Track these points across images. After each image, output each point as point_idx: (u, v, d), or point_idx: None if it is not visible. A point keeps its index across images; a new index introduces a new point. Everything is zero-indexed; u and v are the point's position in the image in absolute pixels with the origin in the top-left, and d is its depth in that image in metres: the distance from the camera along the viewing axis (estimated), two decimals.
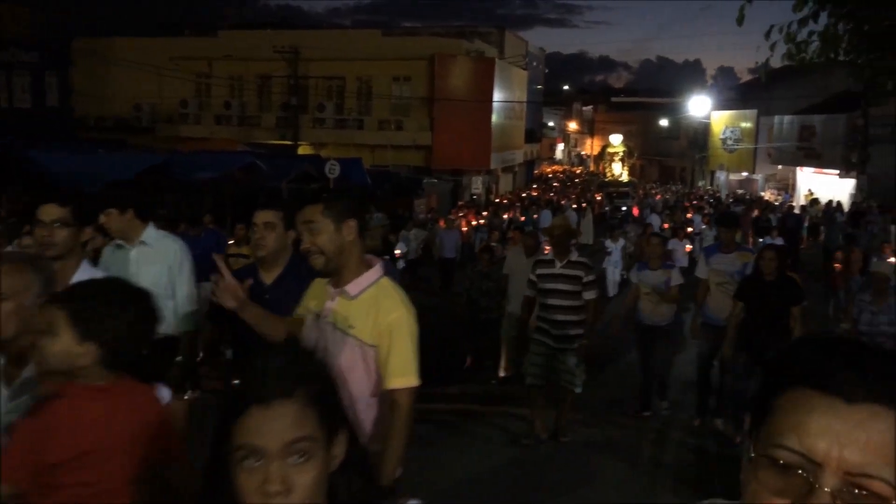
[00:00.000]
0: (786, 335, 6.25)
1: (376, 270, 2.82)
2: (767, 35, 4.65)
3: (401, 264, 13.57)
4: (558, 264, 6.24)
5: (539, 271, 6.36)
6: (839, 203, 24.26)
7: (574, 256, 6.34)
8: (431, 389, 7.82)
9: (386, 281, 2.83)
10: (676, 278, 7.28)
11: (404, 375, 2.71)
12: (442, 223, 16.83)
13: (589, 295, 6.21)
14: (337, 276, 2.79)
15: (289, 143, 32.61)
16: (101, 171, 13.77)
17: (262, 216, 3.60)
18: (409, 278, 15.12)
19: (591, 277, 6.23)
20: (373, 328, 2.69)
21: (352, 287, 2.77)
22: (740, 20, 4.41)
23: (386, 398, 2.73)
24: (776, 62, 5.00)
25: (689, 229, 18.79)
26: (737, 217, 8.70)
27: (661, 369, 7.49)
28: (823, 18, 4.77)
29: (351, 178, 20.73)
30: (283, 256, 3.67)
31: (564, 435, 6.61)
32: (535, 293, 6.41)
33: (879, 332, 6.36)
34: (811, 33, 4.65)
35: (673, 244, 14.86)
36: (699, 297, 7.12)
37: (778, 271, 6.26)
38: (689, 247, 16.19)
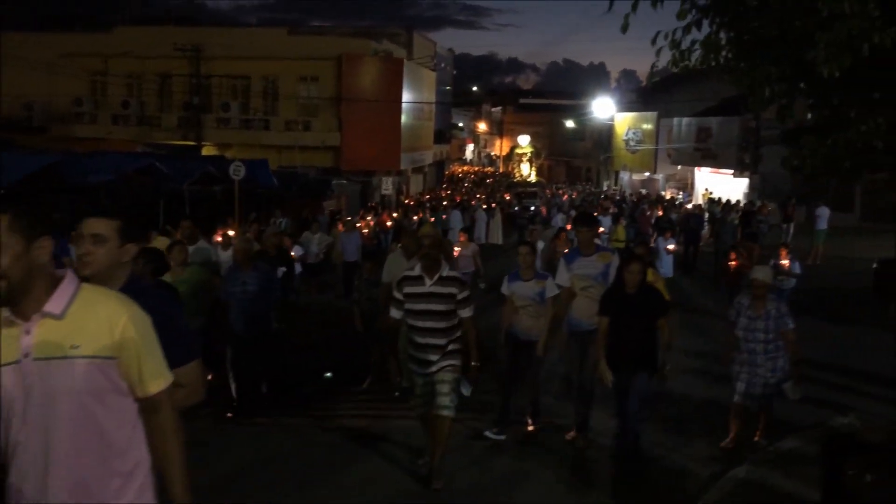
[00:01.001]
0: (654, 348, 6.17)
1: (70, 279, 2.38)
2: (654, 41, 4.80)
3: (298, 269, 13.09)
4: (428, 281, 5.48)
5: (407, 289, 5.53)
6: (736, 202, 25.41)
7: (446, 271, 5.56)
8: (331, 405, 7.68)
9: (88, 286, 2.44)
10: (552, 289, 6.69)
11: (162, 376, 2.45)
12: (341, 226, 16.22)
13: (465, 313, 5.58)
14: (19, 304, 2.29)
15: (192, 143, 31.68)
16: None
17: (90, 226, 2.84)
18: (310, 284, 14.86)
19: (465, 293, 5.57)
20: (104, 339, 2.32)
21: (53, 305, 2.30)
22: (625, 28, 4.53)
23: (147, 406, 2.45)
24: (663, 68, 5.15)
25: (601, 230, 18.91)
26: (594, 217, 8.12)
27: (535, 387, 6.96)
28: (706, 26, 4.97)
29: (257, 180, 20.33)
30: (117, 276, 2.89)
31: (438, 479, 5.66)
32: (401, 314, 5.62)
33: (755, 339, 6.33)
34: (694, 41, 4.83)
35: (658, 242, 15.44)
36: (561, 309, 6.66)
37: (641, 283, 6.03)
38: (672, 247, 16.03)
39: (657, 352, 6.24)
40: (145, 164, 17.25)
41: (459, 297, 5.52)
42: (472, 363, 5.60)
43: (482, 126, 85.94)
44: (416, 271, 5.55)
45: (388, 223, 21.20)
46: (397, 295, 5.58)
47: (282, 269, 8.63)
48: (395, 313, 5.64)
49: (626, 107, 47.22)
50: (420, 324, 5.52)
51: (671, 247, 15.80)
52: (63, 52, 32.22)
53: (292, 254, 12.38)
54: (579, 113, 54.27)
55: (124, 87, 33.63)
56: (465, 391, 5.66)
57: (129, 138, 31.92)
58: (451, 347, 5.56)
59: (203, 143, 32.02)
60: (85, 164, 16.31)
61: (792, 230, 21.16)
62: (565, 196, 37.34)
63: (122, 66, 33.11)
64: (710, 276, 16.31)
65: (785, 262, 11.34)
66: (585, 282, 6.55)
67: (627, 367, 6.05)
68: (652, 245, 15.34)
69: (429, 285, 5.47)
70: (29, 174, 14.12)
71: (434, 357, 5.53)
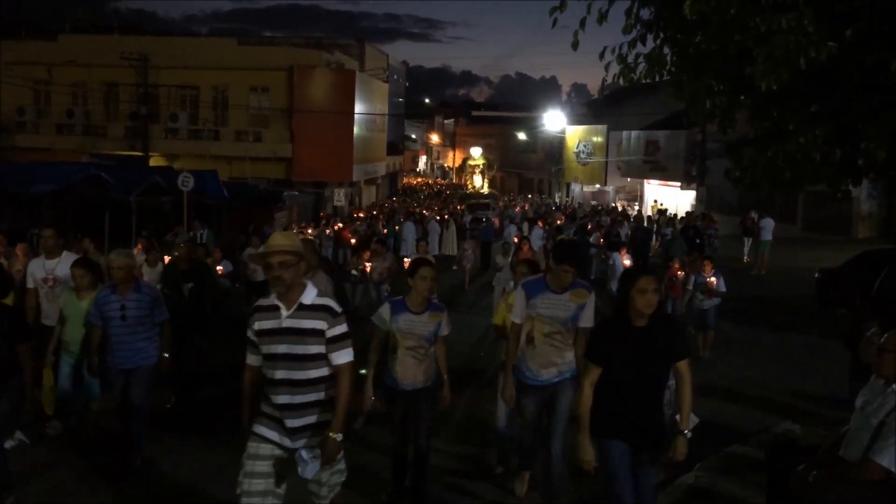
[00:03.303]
0: (657, 408, 4.27)
1: None
2: (601, 56, 4.90)
3: (225, 284, 12.36)
4: (284, 312, 3.91)
5: (258, 324, 3.96)
6: (675, 215, 25.90)
7: (311, 297, 3.95)
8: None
9: None
10: (446, 326, 5.28)
11: None
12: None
13: (339, 357, 3.93)
14: None
15: (139, 154, 31.15)
16: None
17: None
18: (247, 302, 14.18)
19: (339, 328, 3.94)
20: None
21: None
22: (575, 45, 4.62)
23: None
24: (610, 82, 5.26)
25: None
26: (581, 249, 6.24)
27: (425, 444, 5.34)
28: (651, 41, 5.09)
29: (206, 191, 20.02)
30: None
31: None
32: (258, 359, 4.01)
33: None
34: (639, 55, 4.94)
35: (614, 258, 14.03)
36: (511, 350, 5.15)
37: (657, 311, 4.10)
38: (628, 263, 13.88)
39: (662, 417, 4.38)
40: (90, 175, 16.82)
41: (330, 332, 3.90)
42: (331, 433, 3.87)
43: (435, 138, 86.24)
44: (271, 299, 3.96)
45: (352, 240, 20.40)
46: (249, 333, 4.00)
47: (188, 285, 7.45)
48: (251, 360, 4.05)
49: (576, 119, 47.91)
50: (275, 374, 3.91)
51: (627, 262, 14.25)
52: (6, 61, 31.48)
53: (219, 268, 11.62)
54: (531, 125, 54.88)
55: (69, 96, 33.00)
56: (305, 458, 3.86)
57: (73, 148, 31.22)
58: (319, 411, 3.96)
59: (151, 153, 31.49)
60: (28, 174, 15.87)
61: (749, 244, 20.87)
62: (518, 208, 37.62)
63: (66, 74, 32.47)
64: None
65: (710, 278, 10.11)
66: (550, 325, 5.00)
67: (633, 446, 4.13)
68: (609, 262, 14.84)
69: (284, 317, 3.89)
70: None
71: (292, 423, 3.91)
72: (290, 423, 3.92)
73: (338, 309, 4.00)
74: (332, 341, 3.93)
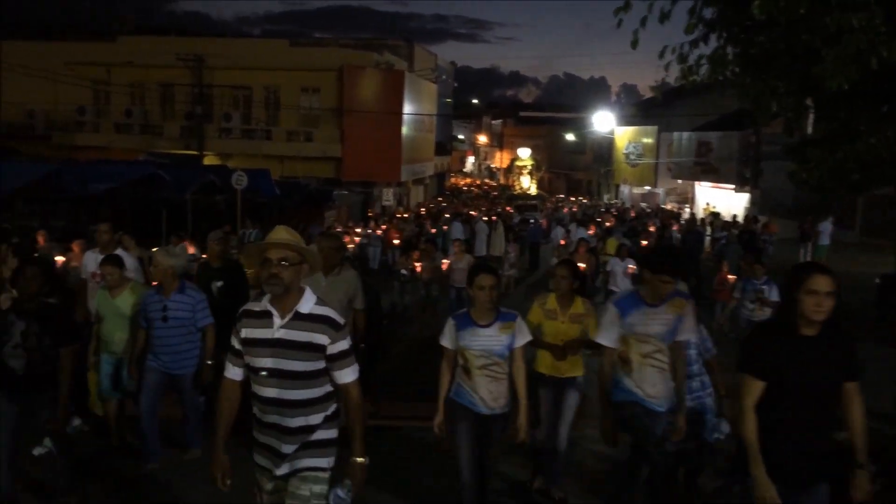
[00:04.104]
0: (827, 435, 3.52)
1: None
2: (661, 55, 4.82)
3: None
4: (278, 320, 3.38)
5: (246, 332, 3.44)
6: (733, 218, 25.34)
7: (309, 304, 3.41)
8: None
9: None
10: (523, 335, 4.63)
11: None
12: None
13: (345, 376, 3.44)
14: None
15: (194, 153, 31.76)
16: None
17: None
18: None
19: (343, 344, 3.42)
20: None
21: None
22: (634, 44, 4.55)
23: None
24: (671, 82, 5.19)
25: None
26: (679, 258, 5.21)
27: (488, 473, 4.79)
28: (713, 41, 5.00)
29: (259, 190, 20.34)
30: None
31: None
32: (241, 373, 3.52)
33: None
34: (701, 56, 4.86)
35: (612, 263, 12.78)
36: (605, 377, 4.59)
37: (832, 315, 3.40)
38: (631, 267, 12.42)
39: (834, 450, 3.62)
40: (148, 174, 17.23)
41: (333, 348, 3.38)
42: (355, 458, 3.41)
43: (482, 138, 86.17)
44: (263, 303, 3.43)
45: (396, 241, 19.89)
46: (234, 342, 3.49)
47: (218, 283, 7.05)
48: (232, 372, 3.52)
49: (626, 120, 47.40)
50: (264, 392, 3.39)
51: None
52: (66, 61, 32.35)
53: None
54: (580, 126, 54.47)
55: (127, 95, 33.79)
56: (342, 496, 3.43)
57: (131, 147, 31.97)
58: (316, 436, 3.45)
59: (205, 152, 32.09)
60: (86, 172, 16.31)
61: (808, 249, 20.23)
62: (566, 209, 37.35)
63: (125, 75, 33.28)
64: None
65: (762, 286, 9.16)
66: (650, 344, 4.46)
67: (805, 480, 3.48)
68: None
69: (277, 326, 3.36)
70: (29, 182, 14.14)
71: (287, 449, 3.42)
72: (283, 448, 3.42)
73: (340, 320, 3.43)
74: (337, 358, 3.40)
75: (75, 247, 10.11)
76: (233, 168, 21.61)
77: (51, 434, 5.69)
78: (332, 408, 3.51)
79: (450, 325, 4.66)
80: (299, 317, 3.36)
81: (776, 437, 3.40)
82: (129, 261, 7.12)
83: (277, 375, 3.36)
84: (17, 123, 33.53)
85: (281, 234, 3.45)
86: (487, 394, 4.57)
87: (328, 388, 3.48)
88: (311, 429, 3.45)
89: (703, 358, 5.22)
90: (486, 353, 4.53)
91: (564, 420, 5.33)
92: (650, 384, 4.47)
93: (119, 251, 7.23)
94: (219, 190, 19.38)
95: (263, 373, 3.38)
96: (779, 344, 3.41)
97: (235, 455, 3.49)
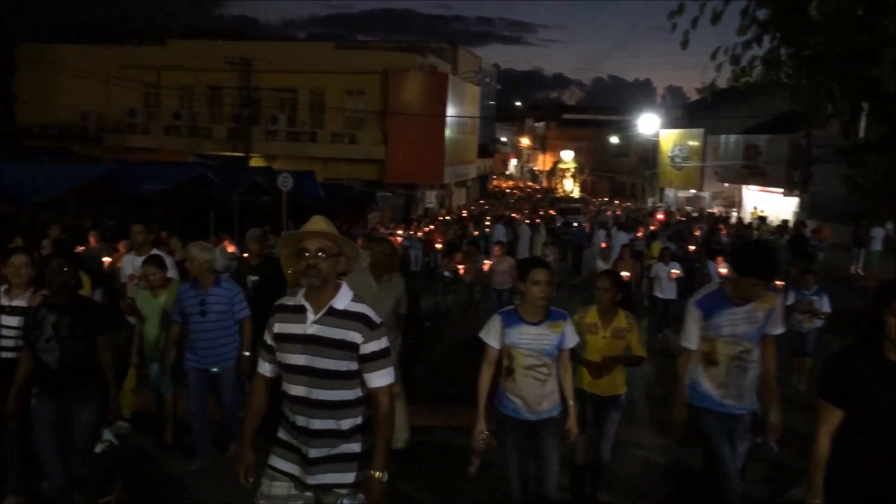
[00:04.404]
0: None
1: None
2: (713, 56, 4.75)
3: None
4: (311, 315, 3.21)
5: (279, 327, 3.29)
6: (784, 223, 24.77)
7: (345, 301, 3.24)
8: None
9: None
10: (573, 336, 4.41)
11: None
12: (360, 242, 15.15)
13: (378, 379, 3.20)
14: None
15: (240, 154, 32.28)
16: (46, 180, 13.46)
17: None
18: None
19: (377, 342, 3.19)
20: None
21: None
22: (685, 44, 4.49)
23: None
24: (722, 83, 5.09)
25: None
26: (772, 258, 4.38)
27: (553, 492, 4.36)
28: (767, 42, 4.91)
29: (304, 191, 20.59)
30: None
31: None
32: (273, 370, 3.38)
33: None
34: (755, 57, 4.77)
35: (656, 268, 12.41)
36: (682, 377, 4.37)
37: None
38: (675, 272, 12.19)
39: None
40: (197, 175, 17.56)
41: (366, 348, 3.17)
42: (374, 472, 3.12)
43: (525, 141, 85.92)
44: (297, 297, 3.28)
45: (439, 245, 19.26)
46: (266, 338, 3.36)
47: (253, 279, 7.14)
48: (264, 368, 3.39)
49: (671, 123, 46.80)
50: (293, 389, 3.22)
51: (723, 270, 12.89)
52: (119, 64, 33.15)
53: None
54: (624, 129, 53.95)
55: (176, 98, 34.50)
56: None
57: (180, 149, 32.64)
58: (346, 447, 3.23)
59: (251, 154, 32.60)
60: (137, 173, 16.68)
61: (862, 254, 19.58)
62: (609, 212, 37.02)
63: (174, 78, 33.99)
64: None
65: (812, 296, 8.72)
66: (738, 344, 4.19)
67: None
68: (704, 270, 13.57)
69: (310, 322, 3.20)
70: (83, 183, 14.50)
71: (313, 453, 3.21)
72: (310, 452, 3.20)
73: (376, 319, 3.21)
74: (369, 358, 3.17)
75: (121, 247, 10.26)
76: (278, 170, 21.94)
77: (109, 425, 5.66)
78: (365, 414, 3.26)
79: (495, 321, 4.36)
80: (333, 313, 3.19)
81: (854, 472, 3.06)
82: (169, 261, 7.08)
83: (307, 373, 3.18)
84: (70, 125, 34.48)
85: (318, 223, 3.27)
86: (532, 396, 4.29)
87: (361, 391, 3.23)
88: (341, 434, 3.21)
89: None
90: (535, 353, 4.26)
91: (606, 437, 5.12)
92: (734, 385, 4.23)
93: (154, 251, 7.17)
94: (264, 191, 19.67)
95: (293, 369, 3.22)
96: (861, 368, 3.07)
97: (262, 454, 3.39)
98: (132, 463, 5.86)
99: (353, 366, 3.18)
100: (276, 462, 3.30)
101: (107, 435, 5.76)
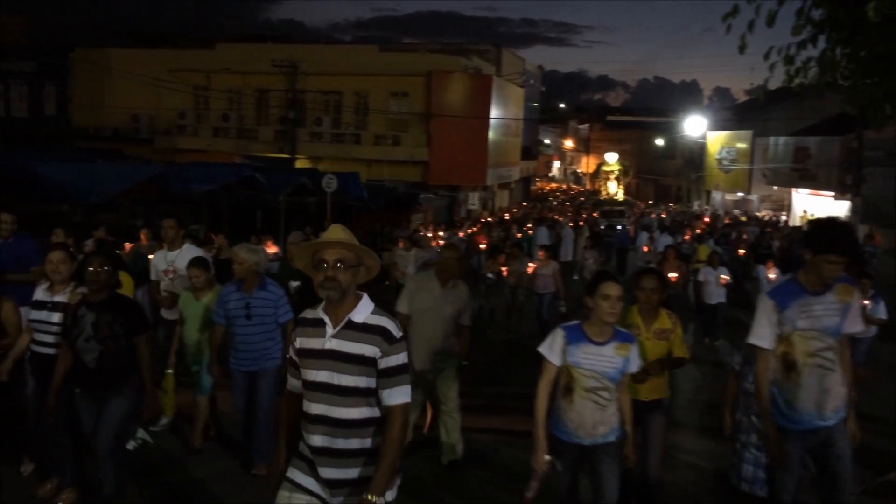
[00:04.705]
0: None
1: None
2: (766, 56, 4.68)
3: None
4: (330, 329, 3.07)
5: (300, 342, 3.15)
6: None
7: (365, 313, 3.08)
8: None
9: None
10: (636, 360, 4.11)
11: None
12: (401, 244, 14.75)
13: (394, 397, 3.03)
14: None
15: (286, 156, 32.71)
16: (100, 181, 13.79)
17: None
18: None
19: (396, 359, 3.03)
20: None
21: None
22: (742, 48, 4.41)
23: None
24: (775, 84, 5.02)
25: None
26: (851, 235, 4.26)
27: None
28: (822, 42, 4.82)
29: (348, 192, 20.78)
30: None
31: None
32: (301, 385, 3.17)
33: None
34: (810, 58, 4.69)
35: (704, 272, 12.14)
36: (763, 386, 3.93)
37: None
38: (724, 277, 11.94)
39: None
40: (245, 176, 17.84)
41: (384, 363, 3.01)
42: (371, 496, 2.90)
43: (569, 143, 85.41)
44: (317, 311, 3.15)
45: (483, 245, 19.49)
46: (290, 352, 3.23)
47: (294, 284, 7.14)
48: (293, 384, 3.25)
49: (718, 125, 46.09)
50: (312, 407, 3.07)
51: (772, 275, 12.53)
52: (169, 68, 33.86)
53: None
54: (669, 131, 53.30)
55: (225, 101, 35.08)
56: None
57: (227, 150, 33.22)
58: (365, 472, 3.03)
59: (296, 156, 33.00)
60: (188, 174, 17.00)
61: None
62: (654, 215, 36.61)
63: (223, 81, 34.60)
64: None
65: (866, 302, 8.12)
66: (818, 339, 3.82)
67: None
68: (753, 274, 13.43)
69: (329, 336, 3.06)
70: (137, 183, 14.83)
71: (332, 473, 3.05)
72: (326, 473, 3.04)
73: (397, 333, 3.06)
74: (386, 374, 3.01)
75: (143, 237, 10.63)
76: (323, 171, 22.17)
77: (144, 424, 5.53)
78: (375, 432, 3.07)
79: (558, 336, 4.05)
80: (352, 326, 3.05)
81: None
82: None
83: (327, 390, 3.02)
84: (122, 127, 35.33)
85: (337, 232, 3.13)
86: (589, 421, 4.00)
87: (377, 412, 3.06)
88: (358, 454, 3.04)
89: None
90: (597, 375, 3.96)
91: (653, 447, 4.72)
92: (820, 390, 3.81)
93: (186, 245, 7.24)
94: (310, 192, 19.89)
95: (313, 386, 3.06)
96: None
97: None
98: (155, 468, 5.71)
99: (374, 382, 3.03)
100: (296, 476, 3.14)
101: (141, 433, 5.66)
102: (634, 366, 4.09)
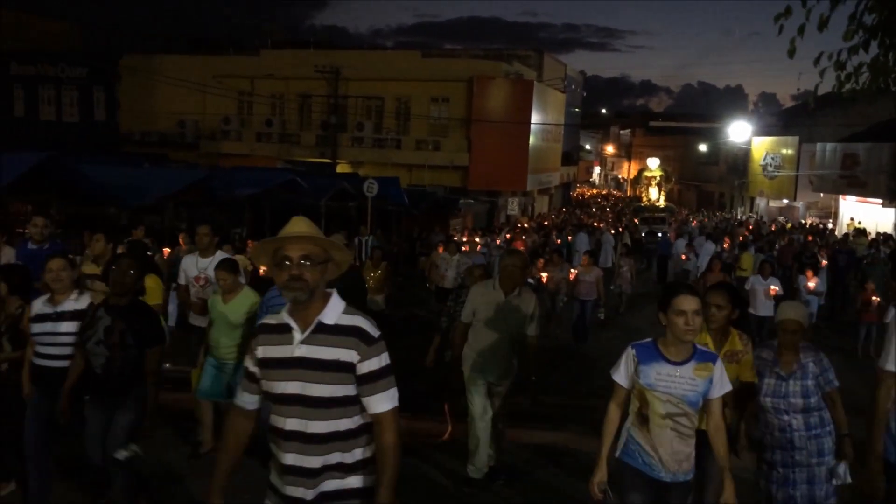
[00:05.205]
0: None
1: None
2: (817, 62, 4.58)
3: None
4: (298, 335, 2.71)
5: (263, 351, 2.78)
6: (887, 235, 23.56)
7: (335, 313, 2.73)
8: None
9: None
10: (723, 383, 3.60)
11: None
12: (441, 248, 14.35)
13: (379, 404, 2.72)
14: None
15: (327, 161, 33.04)
16: (147, 184, 14.08)
17: None
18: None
19: (377, 361, 2.70)
20: None
21: None
22: (791, 52, 4.33)
23: None
24: (824, 90, 4.90)
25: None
26: None
27: None
28: (874, 48, 4.71)
29: (389, 197, 20.89)
30: None
31: None
32: (254, 400, 2.87)
33: (790, 408, 4.27)
34: (861, 63, 4.58)
35: (753, 281, 11.53)
36: (881, 412, 3.53)
37: None
38: (774, 288, 11.26)
39: None
40: (287, 180, 18.06)
41: (363, 367, 2.69)
42: None
43: (610, 148, 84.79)
44: (281, 315, 2.80)
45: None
46: (248, 363, 2.84)
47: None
48: (244, 400, 2.88)
49: (764, 130, 45.32)
50: (284, 423, 2.72)
51: (811, 284, 12.22)
52: (215, 74, 34.45)
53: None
54: (713, 136, 52.57)
55: (268, 106, 35.58)
56: None
57: (270, 155, 33.65)
58: (352, 482, 2.75)
59: (338, 160, 33.28)
60: (232, 178, 17.27)
61: None
62: (694, 222, 36.10)
63: (266, 86, 35.08)
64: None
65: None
66: None
67: None
68: (794, 285, 13.00)
69: (297, 342, 2.71)
70: (184, 187, 15.13)
71: (312, 495, 2.71)
72: (295, 492, 2.71)
73: (374, 332, 2.72)
74: (368, 379, 2.69)
75: (182, 242, 10.40)
76: (364, 176, 22.35)
77: (135, 438, 5.13)
78: (371, 449, 2.78)
79: (629, 355, 3.63)
80: (323, 329, 2.70)
81: None
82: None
83: (300, 402, 2.69)
84: (168, 132, 36.04)
85: (301, 225, 2.78)
86: (670, 454, 3.53)
87: (364, 418, 2.76)
88: (346, 469, 2.73)
89: (822, 390, 4.29)
90: (674, 399, 3.50)
91: (713, 480, 4.04)
92: None
93: (220, 252, 7.09)
94: (351, 197, 20.06)
95: (283, 399, 2.71)
96: None
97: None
98: (153, 481, 5.42)
99: (353, 390, 2.70)
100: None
101: (133, 446, 5.21)
102: (720, 389, 3.57)
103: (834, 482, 4.29)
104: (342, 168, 32.35)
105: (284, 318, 2.76)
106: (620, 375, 3.65)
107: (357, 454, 2.76)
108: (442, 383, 6.54)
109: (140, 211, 14.27)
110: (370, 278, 11.12)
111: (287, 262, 2.68)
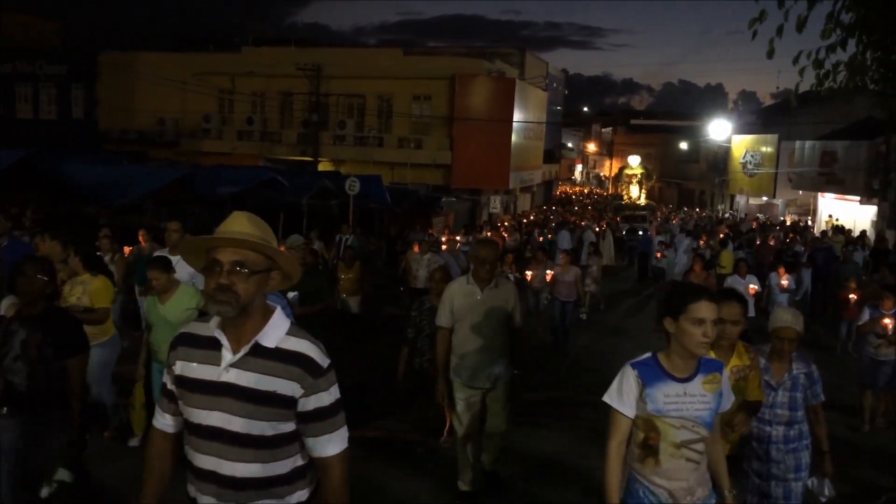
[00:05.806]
0: None
1: None
2: (796, 61, 4.63)
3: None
4: (228, 355, 2.26)
5: (181, 367, 2.36)
6: (862, 233, 23.84)
7: (278, 334, 2.28)
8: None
9: None
10: (728, 394, 3.15)
11: None
12: (416, 248, 13.68)
13: (328, 446, 2.33)
14: None
15: (309, 159, 32.89)
16: (125, 183, 13.95)
17: None
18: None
19: (326, 397, 2.28)
20: None
21: None
22: (770, 53, 4.36)
23: None
24: (803, 88, 4.95)
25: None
26: None
27: None
28: (851, 46, 4.77)
29: (371, 195, 20.83)
30: None
31: None
32: (174, 423, 2.52)
33: (774, 420, 4.10)
34: (839, 62, 4.64)
35: (731, 281, 11.41)
36: None
37: None
38: (753, 287, 11.36)
39: None
40: (268, 178, 17.98)
41: (307, 403, 2.25)
42: None
43: (591, 146, 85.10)
44: (210, 326, 2.32)
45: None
46: (166, 380, 2.42)
47: (293, 294, 6.44)
48: (162, 422, 2.46)
49: (743, 128, 45.67)
50: (200, 459, 2.29)
51: (784, 282, 12.18)
52: (195, 71, 34.17)
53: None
54: (693, 134, 52.91)
55: (249, 104, 35.34)
56: None
57: (251, 153, 33.45)
58: None
59: (319, 158, 33.13)
60: (213, 176, 17.16)
61: None
62: (676, 220, 36.30)
63: (247, 84, 34.85)
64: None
65: (887, 320, 7.32)
66: None
67: None
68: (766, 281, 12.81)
69: (226, 364, 2.25)
70: (164, 185, 15.02)
71: None
72: None
73: (323, 361, 2.26)
74: (314, 418, 2.25)
75: (141, 240, 9.88)
76: (346, 174, 22.26)
77: (65, 463, 4.85)
78: (306, 493, 2.34)
79: (629, 377, 3.01)
80: (260, 352, 2.22)
81: None
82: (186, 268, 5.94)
83: (220, 438, 2.21)
84: (148, 130, 35.72)
85: (240, 224, 2.26)
86: (683, 486, 2.97)
87: (301, 460, 2.32)
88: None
89: (808, 402, 4.09)
90: (689, 423, 2.94)
91: None
92: None
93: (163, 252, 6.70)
94: (332, 195, 19.98)
95: (201, 431, 2.25)
96: None
97: None
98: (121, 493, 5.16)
99: (289, 427, 2.24)
100: None
101: (61, 474, 4.87)
102: (728, 400, 3.12)
103: (822, 500, 4.18)
104: (324, 166, 32.23)
105: (214, 331, 2.27)
106: (622, 403, 3.00)
107: (296, 497, 2.30)
108: (418, 390, 6.39)
109: (120, 210, 14.15)
110: (343, 279, 10.93)
111: (217, 268, 2.19)
